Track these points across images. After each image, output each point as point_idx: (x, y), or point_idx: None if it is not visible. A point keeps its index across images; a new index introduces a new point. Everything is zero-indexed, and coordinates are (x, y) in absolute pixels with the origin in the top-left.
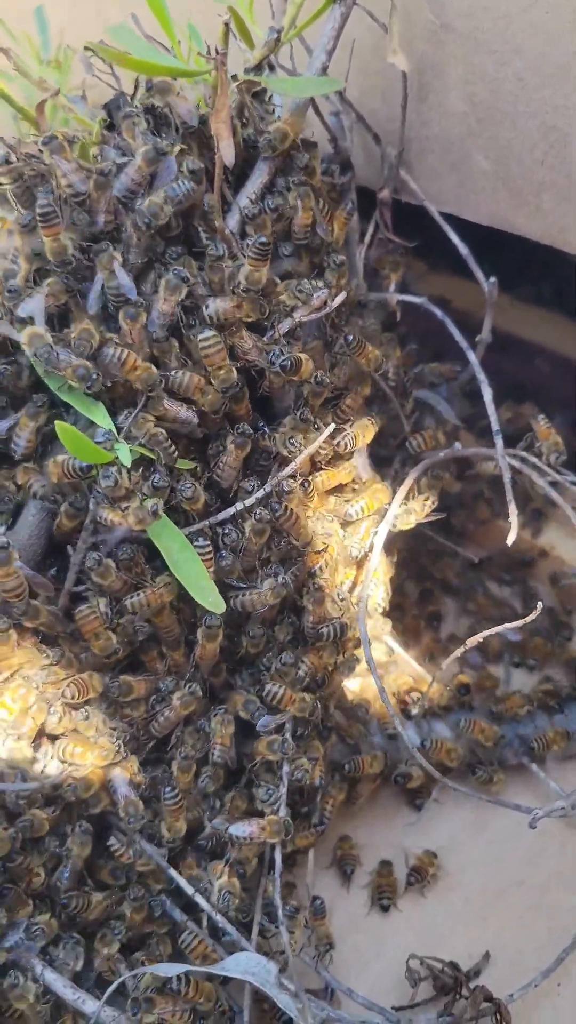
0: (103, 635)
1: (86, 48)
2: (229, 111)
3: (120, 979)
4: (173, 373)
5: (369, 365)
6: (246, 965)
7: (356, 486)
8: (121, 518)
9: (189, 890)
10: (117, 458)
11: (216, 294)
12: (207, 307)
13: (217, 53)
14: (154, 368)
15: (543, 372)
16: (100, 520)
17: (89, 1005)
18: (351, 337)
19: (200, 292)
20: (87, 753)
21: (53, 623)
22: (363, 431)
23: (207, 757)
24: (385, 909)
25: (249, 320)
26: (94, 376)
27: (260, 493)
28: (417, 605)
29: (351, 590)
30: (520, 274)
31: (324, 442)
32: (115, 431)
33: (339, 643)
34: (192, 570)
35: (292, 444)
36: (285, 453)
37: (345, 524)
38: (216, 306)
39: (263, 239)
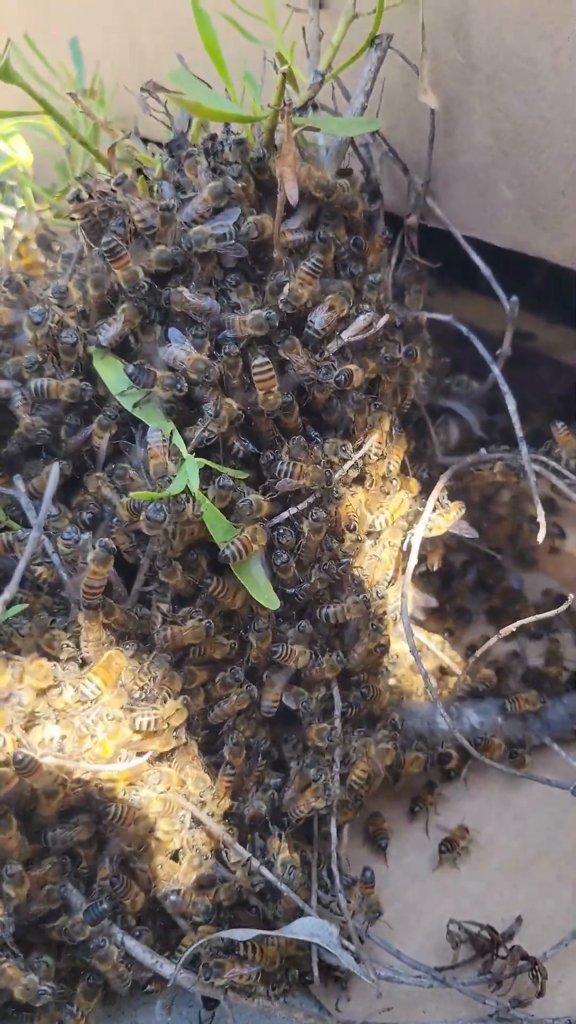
0: None
1: (143, 89)
2: (295, 155)
3: (194, 945)
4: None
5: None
6: (311, 928)
7: (386, 488)
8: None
9: (255, 863)
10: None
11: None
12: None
13: (284, 105)
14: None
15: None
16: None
17: (166, 968)
18: (411, 349)
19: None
20: (154, 739)
21: (125, 620)
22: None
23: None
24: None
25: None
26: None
27: (311, 498)
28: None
29: (390, 584)
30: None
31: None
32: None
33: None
34: (251, 569)
35: (343, 451)
36: (336, 460)
37: (370, 533)
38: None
39: (318, 258)
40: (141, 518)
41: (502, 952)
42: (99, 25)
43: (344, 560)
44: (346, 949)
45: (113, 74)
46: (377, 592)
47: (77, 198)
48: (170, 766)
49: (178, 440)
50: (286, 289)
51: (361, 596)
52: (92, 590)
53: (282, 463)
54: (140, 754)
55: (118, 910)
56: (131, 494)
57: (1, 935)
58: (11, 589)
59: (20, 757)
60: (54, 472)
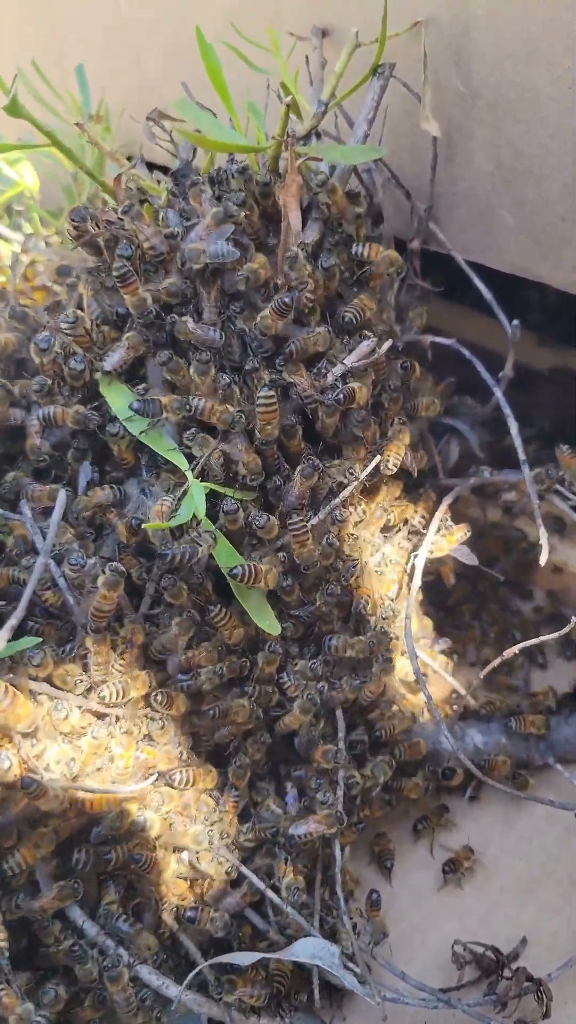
0: None
1: (148, 118)
2: (299, 186)
3: (199, 967)
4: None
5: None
6: (313, 950)
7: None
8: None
9: (261, 886)
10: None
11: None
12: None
13: (288, 136)
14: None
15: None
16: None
17: (172, 990)
18: (407, 363)
19: None
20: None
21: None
22: (398, 449)
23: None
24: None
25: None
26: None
27: (314, 520)
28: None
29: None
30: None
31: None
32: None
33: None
34: (253, 594)
35: (351, 473)
36: (344, 480)
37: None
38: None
39: (286, 299)
40: (158, 551)
41: (507, 973)
42: (103, 51)
43: (348, 579)
44: (349, 970)
45: (117, 99)
46: (382, 613)
47: (77, 228)
48: (172, 787)
49: (183, 463)
50: (258, 318)
51: (368, 634)
52: (101, 614)
53: (293, 487)
54: (146, 776)
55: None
56: (145, 526)
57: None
58: (18, 615)
59: (28, 781)
60: (60, 498)
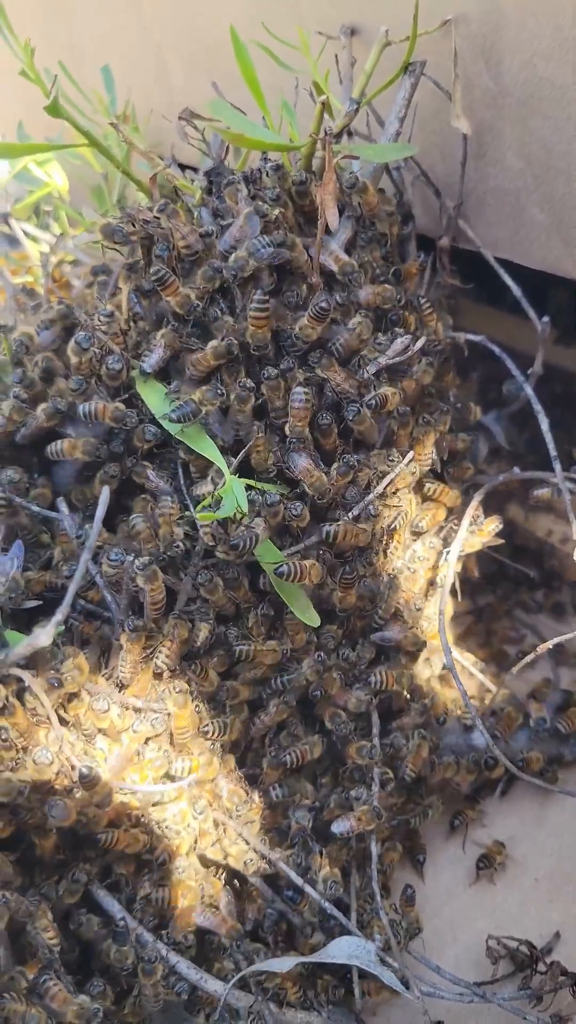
0: None
1: (180, 117)
2: (335, 183)
3: (242, 972)
4: None
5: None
6: (349, 949)
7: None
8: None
9: (299, 881)
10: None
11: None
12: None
13: (326, 134)
14: None
15: None
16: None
17: (211, 985)
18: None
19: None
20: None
21: None
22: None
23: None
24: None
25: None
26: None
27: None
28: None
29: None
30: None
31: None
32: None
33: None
34: (295, 589)
35: (391, 462)
36: (387, 470)
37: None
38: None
39: (323, 303)
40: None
41: (541, 967)
42: (125, 52)
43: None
44: (387, 966)
45: (141, 100)
46: (414, 606)
47: (114, 230)
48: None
49: (219, 460)
50: (297, 327)
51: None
52: (156, 605)
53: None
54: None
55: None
56: (197, 516)
57: (49, 957)
58: (63, 610)
59: (84, 771)
60: (104, 496)
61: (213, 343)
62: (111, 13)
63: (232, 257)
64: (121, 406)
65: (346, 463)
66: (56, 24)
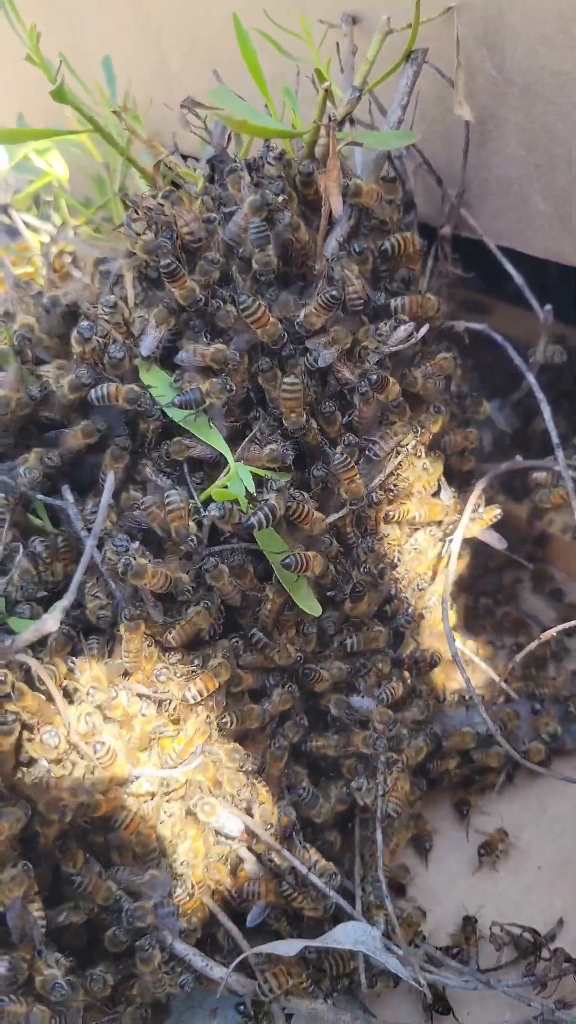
0: None
1: (182, 106)
2: (339, 170)
3: (244, 954)
4: None
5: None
6: (355, 935)
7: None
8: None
9: (303, 869)
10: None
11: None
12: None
13: (330, 120)
14: None
15: None
16: None
17: (216, 971)
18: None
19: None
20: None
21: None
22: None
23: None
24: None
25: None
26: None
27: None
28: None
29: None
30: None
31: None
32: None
33: None
34: (298, 579)
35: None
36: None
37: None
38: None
39: (333, 292)
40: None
41: (545, 954)
42: (124, 41)
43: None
44: (392, 952)
45: (140, 89)
46: (417, 585)
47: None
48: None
49: (224, 448)
50: (301, 314)
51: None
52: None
53: (338, 456)
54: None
55: None
56: (214, 494)
57: (31, 933)
58: (69, 596)
59: (98, 747)
60: (109, 481)
61: (217, 346)
62: (113, 10)
63: (256, 257)
64: (135, 387)
65: (348, 444)
66: (58, 19)
